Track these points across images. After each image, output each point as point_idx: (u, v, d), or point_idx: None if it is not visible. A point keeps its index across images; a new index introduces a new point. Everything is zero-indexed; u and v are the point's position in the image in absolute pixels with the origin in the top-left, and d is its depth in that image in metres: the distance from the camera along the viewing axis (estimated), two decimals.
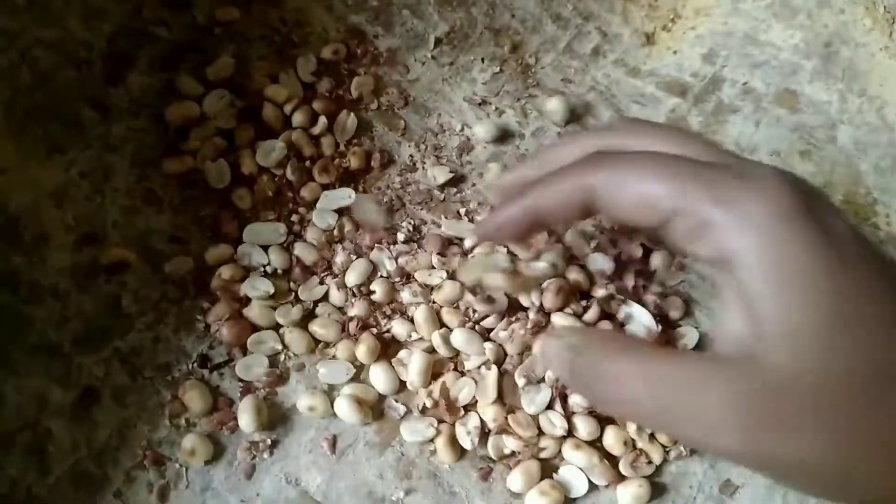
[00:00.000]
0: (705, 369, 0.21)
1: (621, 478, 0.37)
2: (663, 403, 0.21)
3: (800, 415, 0.20)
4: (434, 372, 0.39)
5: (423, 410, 0.38)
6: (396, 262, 0.41)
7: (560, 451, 0.38)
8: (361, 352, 0.38)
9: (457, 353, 0.39)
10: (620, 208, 0.24)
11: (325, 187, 0.43)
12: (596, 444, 0.38)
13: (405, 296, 0.40)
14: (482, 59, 0.48)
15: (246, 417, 0.37)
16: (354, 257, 0.41)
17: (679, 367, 0.22)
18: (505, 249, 0.39)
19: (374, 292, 0.40)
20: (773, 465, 0.21)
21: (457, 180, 0.44)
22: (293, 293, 0.41)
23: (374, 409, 0.38)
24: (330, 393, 0.38)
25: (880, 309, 0.20)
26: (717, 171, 0.22)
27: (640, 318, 0.40)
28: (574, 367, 0.24)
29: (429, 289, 0.40)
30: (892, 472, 0.20)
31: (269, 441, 0.38)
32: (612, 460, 0.38)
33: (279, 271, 0.41)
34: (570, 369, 0.24)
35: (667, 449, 0.38)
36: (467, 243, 0.41)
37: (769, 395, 0.20)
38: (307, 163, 0.43)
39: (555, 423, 0.37)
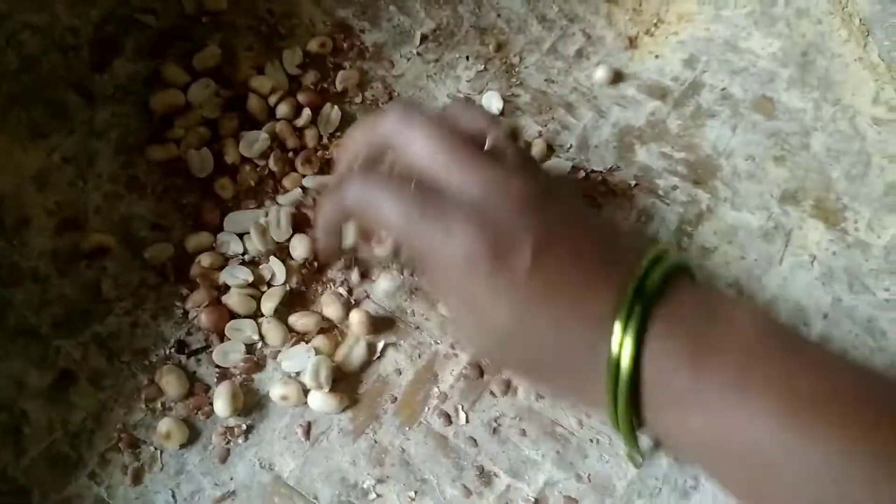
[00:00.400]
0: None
1: None
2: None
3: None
4: None
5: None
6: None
7: None
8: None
9: None
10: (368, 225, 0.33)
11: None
12: None
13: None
14: (467, 57, 0.49)
15: (221, 403, 0.37)
16: None
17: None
18: None
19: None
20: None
21: None
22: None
23: (349, 396, 0.39)
24: (303, 382, 0.39)
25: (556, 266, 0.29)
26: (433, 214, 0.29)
27: None
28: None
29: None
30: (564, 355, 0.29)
31: (243, 426, 0.38)
32: None
33: (258, 259, 0.41)
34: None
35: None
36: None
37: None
38: (290, 154, 0.44)
39: None
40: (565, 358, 0.28)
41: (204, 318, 0.39)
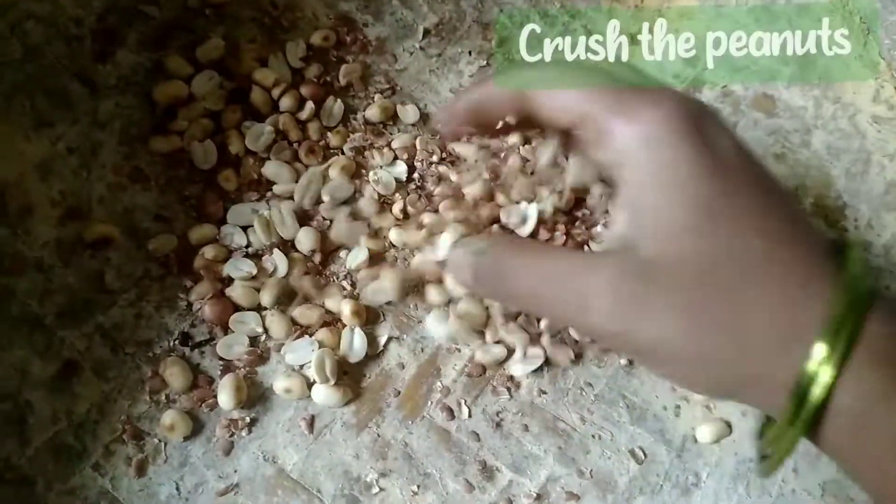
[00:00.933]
0: (589, 259, 0.25)
1: None
2: (551, 291, 0.24)
3: (662, 297, 0.23)
4: None
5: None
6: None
7: None
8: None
9: None
10: (541, 106, 0.26)
11: None
12: None
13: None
14: (469, 52, 0.49)
15: (225, 395, 0.38)
16: None
17: (568, 259, 0.25)
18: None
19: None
20: (636, 343, 0.24)
21: None
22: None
23: (352, 389, 0.39)
24: (307, 375, 0.39)
25: (744, 210, 0.23)
26: (623, 89, 0.25)
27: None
28: (478, 270, 0.26)
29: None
30: (739, 360, 0.23)
31: (247, 419, 0.38)
32: None
33: (261, 252, 0.41)
34: (474, 272, 0.26)
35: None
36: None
37: (637, 278, 0.23)
38: (294, 146, 0.44)
39: None
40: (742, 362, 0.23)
41: (207, 311, 0.39)
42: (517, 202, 0.35)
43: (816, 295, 0.22)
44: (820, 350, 0.22)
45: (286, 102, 0.44)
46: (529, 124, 0.28)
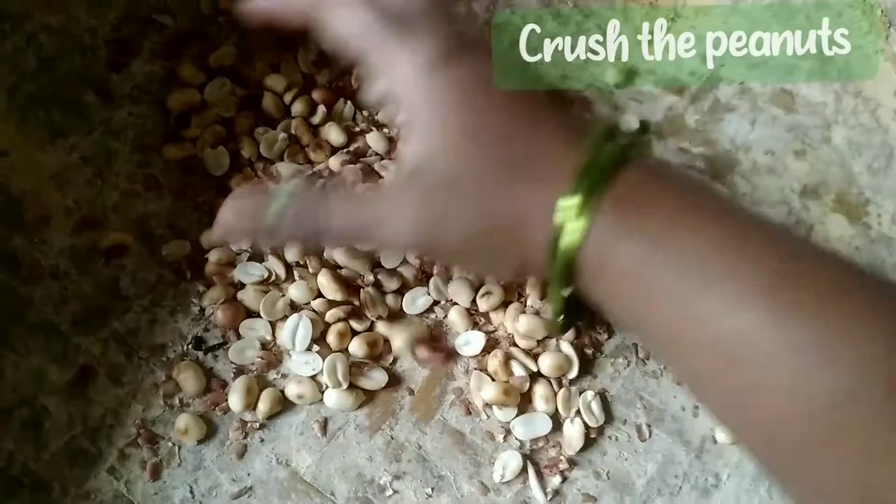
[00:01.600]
0: (391, 188, 0.30)
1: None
2: (364, 220, 0.28)
3: (446, 205, 0.27)
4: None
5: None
6: None
7: None
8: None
9: None
10: (331, 28, 0.29)
11: None
12: None
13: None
14: None
15: (237, 398, 0.38)
16: None
17: (372, 189, 0.30)
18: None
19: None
20: (438, 248, 0.29)
21: None
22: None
23: (365, 392, 0.39)
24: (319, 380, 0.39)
25: (501, 122, 0.27)
26: (402, 21, 0.28)
27: None
28: (296, 213, 0.29)
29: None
30: (514, 232, 0.27)
31: (260, 422, 0.38)
32: None
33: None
34: (294, 216, 0.29)
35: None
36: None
37: (427, 193, 0.27)
38: (306, 149, 0.44)
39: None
40: (505, 213, 0.27)
41: (220, 315, 0.39)
42: None
43: (568, 160, 0.26)
44: (565, 202, 0.25)
45: (298, 107, 0.44)
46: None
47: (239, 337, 0.40)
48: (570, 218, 0.25)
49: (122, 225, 0.41)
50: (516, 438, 0.38)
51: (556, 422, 0.38)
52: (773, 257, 0.24)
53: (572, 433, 0.38)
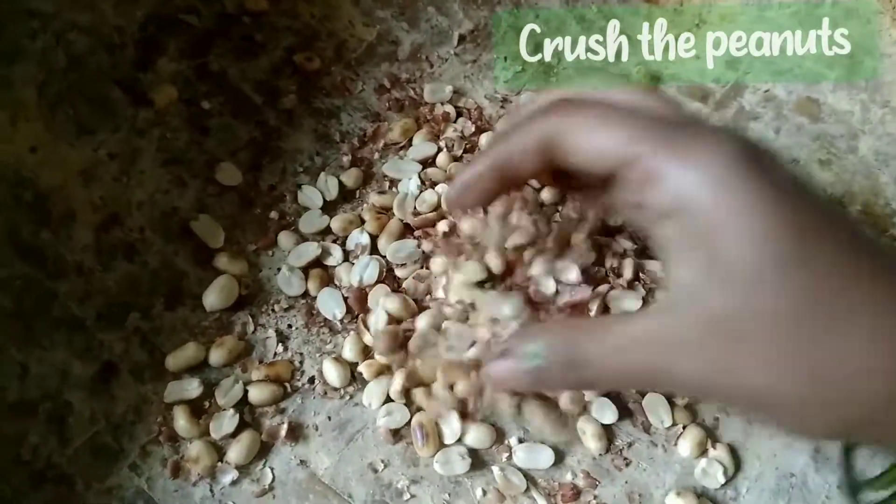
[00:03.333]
0: (658, 318, 0.23)
1: None
2: (630, 361, 0.23)
3: (752, 350, 0.21)
4: None
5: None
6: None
7: None
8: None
9: None
10: (574, 153, 0.24)
11: None
12: None
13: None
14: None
15: (256, 391, 0.38)
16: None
17: (634, 323, 0.23)
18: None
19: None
20: (733, 396, 0.23)
21: None
22: None
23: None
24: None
25: (822, 251, 0.21)
26: (670, 126, 0.23)
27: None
28: (540, 371, 0.24)
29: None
30: (843, 404, 0.21)
31: (281, 424, 0.38)
32: None
33: None
34: (536, 380, 0.24)
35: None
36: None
37: (720, 333, 0.21)
38: None
39: None
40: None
41: None
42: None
43: None
44: None
45: None
46: (558, 178, 0.26)
47: None
48: None
49: (146, 222, 0.41)
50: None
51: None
52: None
53: (590, 443, 0.38)
